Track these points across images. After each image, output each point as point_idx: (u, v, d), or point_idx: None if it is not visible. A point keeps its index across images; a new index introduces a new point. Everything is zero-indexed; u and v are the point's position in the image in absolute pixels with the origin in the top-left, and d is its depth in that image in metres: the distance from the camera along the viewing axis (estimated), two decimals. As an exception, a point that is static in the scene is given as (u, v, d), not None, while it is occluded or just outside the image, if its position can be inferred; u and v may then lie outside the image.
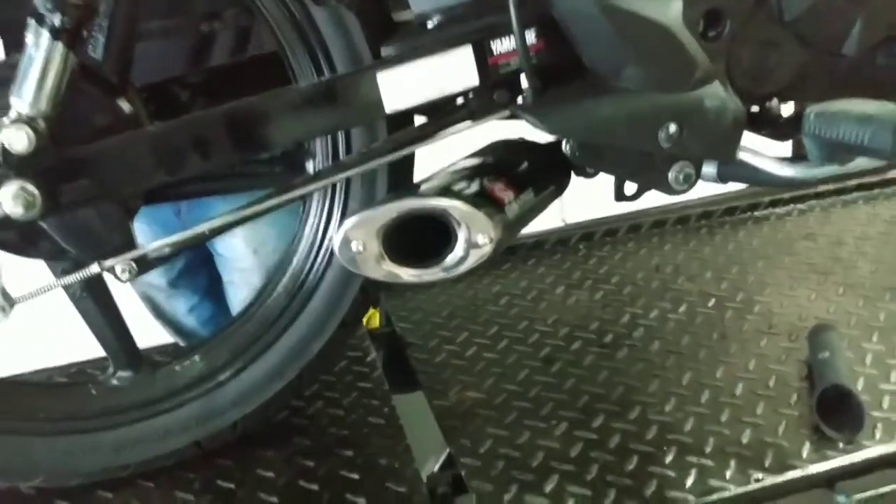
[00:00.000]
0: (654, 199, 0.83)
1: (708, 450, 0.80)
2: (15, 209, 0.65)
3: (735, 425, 0.83)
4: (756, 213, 1.32)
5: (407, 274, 0.72)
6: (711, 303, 1.08)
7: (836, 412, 0.80)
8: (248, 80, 0.92)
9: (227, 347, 0.85)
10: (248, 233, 1.30)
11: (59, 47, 0.62)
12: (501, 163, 0.82)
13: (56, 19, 0.61)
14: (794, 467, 0.76)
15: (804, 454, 0.78)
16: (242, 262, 1.33)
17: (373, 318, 1.16)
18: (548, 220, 1.09)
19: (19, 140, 0.63)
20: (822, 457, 0.77)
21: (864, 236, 1.23)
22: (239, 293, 1.41)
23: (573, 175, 0.84)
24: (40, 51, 0.62)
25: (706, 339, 0.99)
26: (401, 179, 0.83)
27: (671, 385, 0.91)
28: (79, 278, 0.73)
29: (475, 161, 0.81)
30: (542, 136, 0.80)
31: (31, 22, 0.62)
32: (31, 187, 0.65)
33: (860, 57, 0.79)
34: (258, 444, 0.87)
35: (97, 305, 0.81)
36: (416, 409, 0.94)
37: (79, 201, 0.68)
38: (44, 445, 0.80)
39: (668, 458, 0.79)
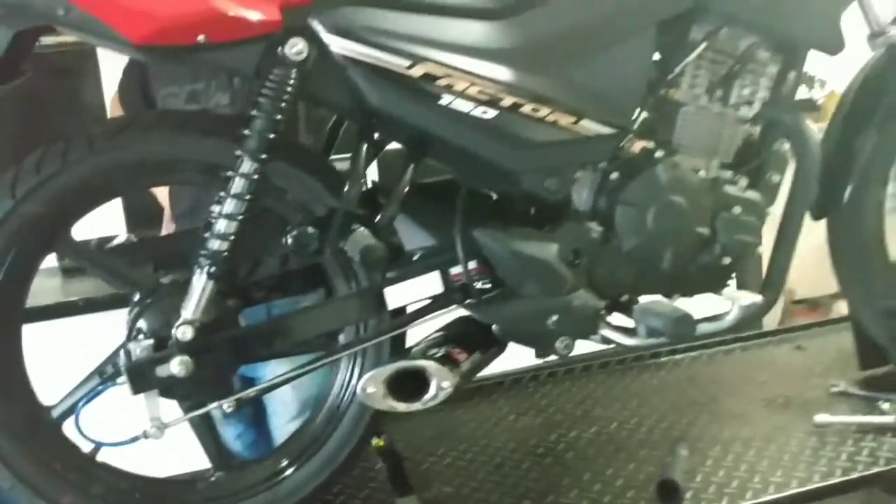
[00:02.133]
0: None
1: (593, 518, 1.26)
2: (179, 372, 1.14)
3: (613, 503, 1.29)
4: (658, 360, 1.81)
5: (401, 406, 1.21)
6: (614, 425, 1.55)
7: (671, 494, 1.27)
8: (299, 280, 1.42)
9: (286, 456, 1.32)
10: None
11: (212, 283, 1.14)
12: (460, 334, 1.32)
13: (213, 269, 1.13)
14: (643, 524, 1.22)
15: (652, 518, 1.24)
16: (285, 395, 1.81)
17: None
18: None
19: (186, 334, 1.14)
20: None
21: (730, 375, 1.71)
22: (280, 420, 1.88)
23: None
24: (200, 284, 1.14)
25: (605, 451, 1.46)
26: (397, 345, 1.32)
27: (576, 481, 1.37)
28: (203, 412, 1.22)
29: (443, 333, 1.32)
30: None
31: (196, 267, 1.14)
32: (188, 359, 1.15)
33: (675, 268, 1.30)
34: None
35: (206, 429, 1.29)
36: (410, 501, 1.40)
37: (209, 368, 1.18)
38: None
39: (567, 524, 1.25)
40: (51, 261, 2.24)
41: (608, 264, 1.27)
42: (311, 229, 1.13)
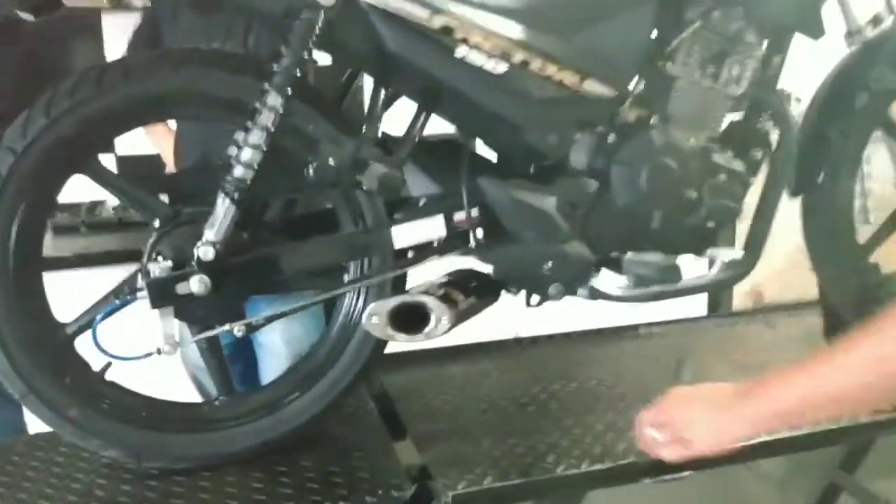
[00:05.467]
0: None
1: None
2: (197, 290, 1.21)
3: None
4: (636, 331, 1.91)
5: (401, 338, 1.29)
6: (593, 382, 1.64)
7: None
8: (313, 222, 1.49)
9: (288, 384, 1.40)
10: (283, 328, 1.85)
11: (234, 208, 1.21)
12: (460, 280, 1.41)
13: (236, 195, 1.20)
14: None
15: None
16: (277, 349, 1.88)
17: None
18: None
19: (207, 254, 1.21)
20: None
21: (700, 346, 1.82)
22: (271, 375, 1.94)
23: (503, 292, 1.43)
24: (223, 208, 1.21)
25: (586, 401, 1.55)
26: (398, 287, 1.40)
27: (558, 424, 1.46)
28: (214, 333, 1.29)
29: (446, 278, 1.40)
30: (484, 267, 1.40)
31: (220, 193, 1.21)
32: (206, 278, 1.22)
33: (663, 227, 1.39)
34: (301, 455, 1.38)
35: (213, 353, 1.36)
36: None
37: (224, 289, 1.25)
38: (175, 439, 1.33)
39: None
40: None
41: (601, 219, 1.36)
42: (331, 161, 1.21)
